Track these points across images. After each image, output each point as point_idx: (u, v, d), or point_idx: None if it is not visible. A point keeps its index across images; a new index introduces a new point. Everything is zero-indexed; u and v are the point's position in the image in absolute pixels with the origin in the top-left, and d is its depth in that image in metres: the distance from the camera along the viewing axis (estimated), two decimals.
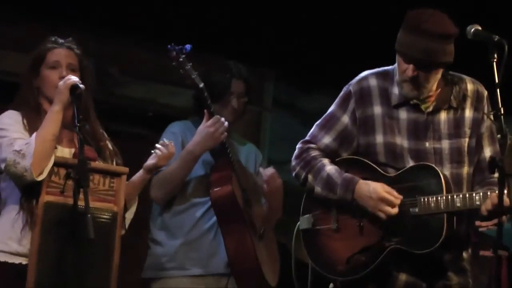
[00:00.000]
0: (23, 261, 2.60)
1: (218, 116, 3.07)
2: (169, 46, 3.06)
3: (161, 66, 4.16)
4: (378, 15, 4.27)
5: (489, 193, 2.49)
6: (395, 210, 2.59)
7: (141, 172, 2.95)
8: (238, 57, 3.85)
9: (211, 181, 3.14)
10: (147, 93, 4.47)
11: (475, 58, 2.62)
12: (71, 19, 3.25)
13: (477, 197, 2.52)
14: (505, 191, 2.26)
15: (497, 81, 2.27)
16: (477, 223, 3.00)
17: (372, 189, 2.61)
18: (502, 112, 2.25)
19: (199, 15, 4.17)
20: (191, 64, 3.05)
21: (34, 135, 2.58)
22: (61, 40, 2.77)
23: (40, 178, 2.51)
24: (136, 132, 3.10)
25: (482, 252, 3.77)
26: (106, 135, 2.93)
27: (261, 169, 3.37)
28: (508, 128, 2.35)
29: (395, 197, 2.59)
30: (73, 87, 2.57)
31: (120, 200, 2.72)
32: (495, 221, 2.49)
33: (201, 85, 3.06)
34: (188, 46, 3.03)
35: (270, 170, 3.30)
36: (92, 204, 2.51)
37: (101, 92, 2.86)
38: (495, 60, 2.28)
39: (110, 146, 2.89)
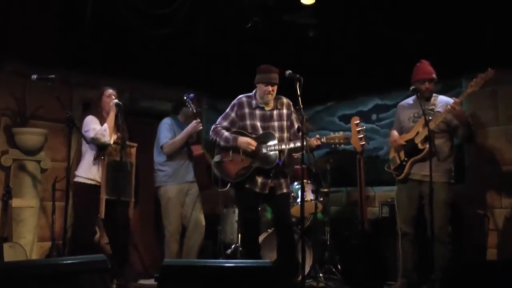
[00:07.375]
0: (93, 182, 4.28)
1: (199, 120, 4.83)
2: (184, 94, 4.91)
3: (157, 92, 6.46)
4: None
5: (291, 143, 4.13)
6: (254, 148, 4.15)
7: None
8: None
9: (192, 148, 4.93)
10: (151, 104, 6.39)
11: (289, 86, 3.86)
12: (117, 76, 5.44)
13: (289, 144, 4.14)
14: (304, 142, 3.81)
15: (299, 94, 3.79)
16: (293, 154, 4.49)
17: (245, 139, 4.20)
18: (302, 106, 3.74)
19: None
20: (191, 102, 4.80)
21: (105, 125, 4.27)
22: (111, 87, 4.47)
23: (111, 142, 4.24)
24: (145, 121, 4.93)
25: (296, 167, 5.23)
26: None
27: None
28: (307, 115, 4.05)
29: (252, 143, 4.16)
30: (117, 104, 4.30)
31: (133, 156, 4.61)
32: (301, 153, 3.90)
33: (195, 110, 4.82)
34: (191, 95, 4.81)
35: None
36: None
37: (132, 105, 4.83)
38: (298, 86, 3.76)
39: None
